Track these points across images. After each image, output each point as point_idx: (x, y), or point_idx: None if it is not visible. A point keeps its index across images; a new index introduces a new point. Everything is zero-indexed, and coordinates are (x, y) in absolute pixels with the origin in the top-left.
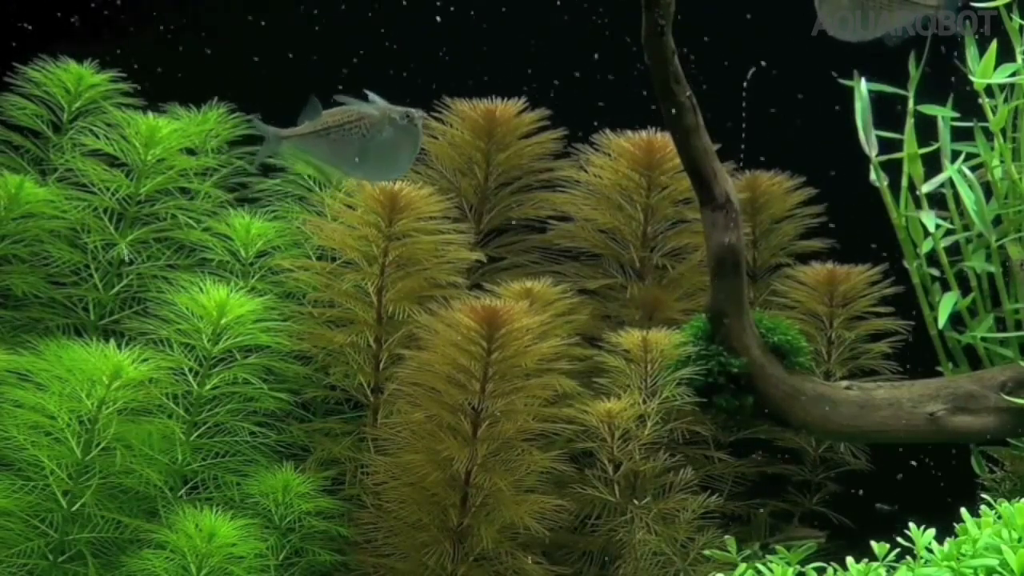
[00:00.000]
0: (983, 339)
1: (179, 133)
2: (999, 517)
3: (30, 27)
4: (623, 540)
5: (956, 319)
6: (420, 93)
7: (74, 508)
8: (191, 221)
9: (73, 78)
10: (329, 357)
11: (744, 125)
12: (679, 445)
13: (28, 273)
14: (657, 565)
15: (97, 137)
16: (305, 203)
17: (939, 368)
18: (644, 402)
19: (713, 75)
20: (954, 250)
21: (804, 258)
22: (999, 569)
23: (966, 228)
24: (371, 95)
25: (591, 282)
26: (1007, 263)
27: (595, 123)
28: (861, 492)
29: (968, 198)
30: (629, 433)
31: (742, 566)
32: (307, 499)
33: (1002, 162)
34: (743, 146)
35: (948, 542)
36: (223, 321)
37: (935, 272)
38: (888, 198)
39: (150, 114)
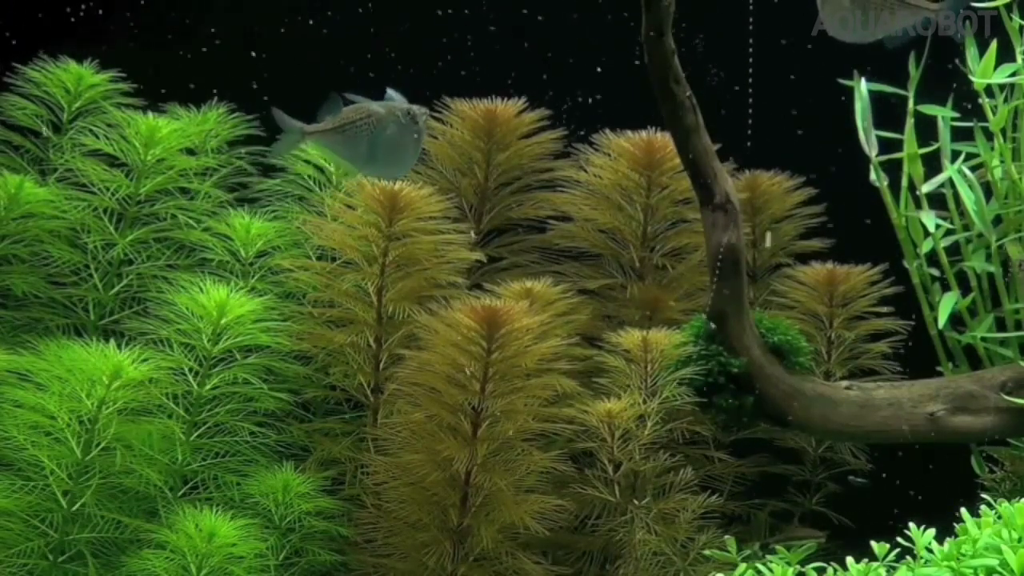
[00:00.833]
0: (983, 339)
1: (179, 133)
2: (999, 517)
3: (30, 27)
4: (623, 540)
5: (956, 319)
6: (420, 93)
7: (74, 508)
8: (191, 221)
9: (73, 78)
10: (329, 357)
11: (748, 124)
12: (679, 445)
13: (28, 273)
14: (657, 565)
15: (97, 137)
16: (305, 203)
17: (939, 368)
18: (644, 402)
19: (713, 75)
20: (954, 250)
21: (804, 258)
22: (999, 569)
23: (966, 228)
24: (391, 91)
25: (591, 282)
26: (1007, 263)
27: (595, 123)
28: (860, 475)
29: (968, 198)
30: (629, 433)
31: (742, 566)
32: (307, 499)
33: (1002, 162)
34: (749, 144)
35: (948, 542)
36: (223, 321)
37: (935, 272)
38: (888, 198)
39: (150, 114)
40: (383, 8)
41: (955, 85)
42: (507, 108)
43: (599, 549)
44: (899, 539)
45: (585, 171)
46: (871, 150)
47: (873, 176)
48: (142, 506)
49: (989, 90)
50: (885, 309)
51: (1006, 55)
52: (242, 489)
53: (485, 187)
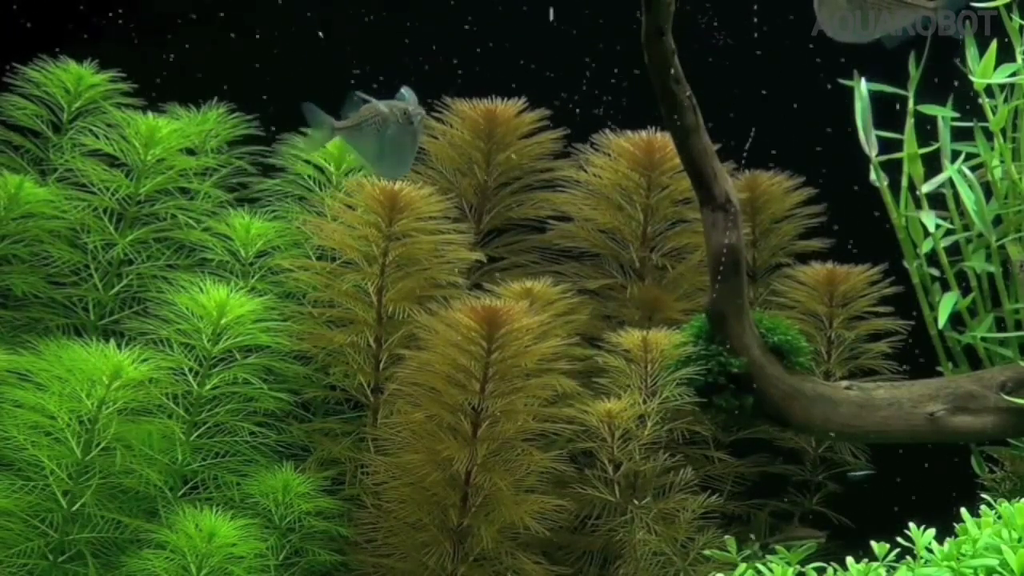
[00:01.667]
0: (983, 339)
1: (179, 133)
2: (999, 517)
3: (30, 26)
4: (623, 540)
5: (956, 319)
6: (420, 93)
7: (74, 508)
8: (191, 221)
9: (73, 78)
10: (329, 357)
11: (747, 124)
12: (679, 445)
13: (28, 273)
14: (657, 565)
15: (97, 137)
16: (305, 203)
17: (939, 368)
18: (644, 402)
19: (713, 75)
20: (954, 250)
21: (804, 258)
22: (999, 569)
23: (966, 228)
24: (403, 90)
25: (591, 282)
26: (1007, 263)
27: (595, 123)
28: (863, 466)
29: (968, 198)
30: (629, 433)
31: (742, 566)
32: (307, 499)
33: (1002, 162)
34: (747, 146)
35: (948, 542)
36: (223, 321)
37: (935, 272)
38: (888, 198)
39: (150, 114)
40: (384, 8)
41: (956, 83)
42: (507, 108)
43: (599, 549)
44: (899, 539)
45: (585, 171)
46: (871, 150)
47: (873, 176)
48: (142, 506)
49: (989, 90)
50: (885, 309)
51: (1006, 55)
52: (242, 489)
53: (485, 187)
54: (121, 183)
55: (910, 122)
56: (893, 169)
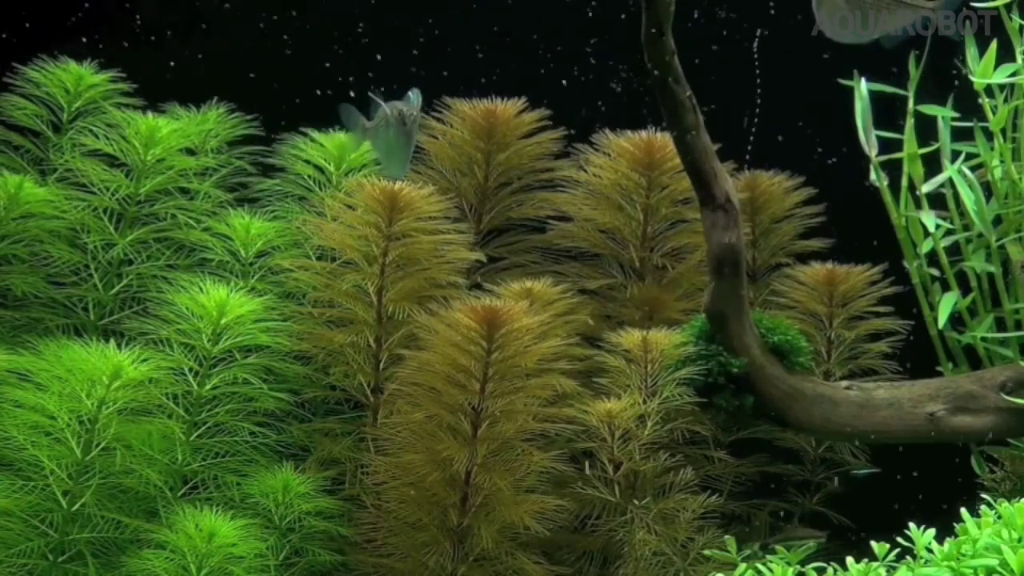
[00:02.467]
0: (983, 339)
1: (179, 133)
2: (999, 517)
3: (29, 26)
4: (623, 540)
5: (956, 319)
6: (421, 93)
7: (74, 508)
8: (191, 221)
9: (73, 78)
10: (329, 357)
11: (748, 125)
12: (679, 445)
13: (28, 273)
14: (657, 565)
15: (97, 137)
16: (305, 203)
17: (939, 368)
18: (644, 402)
19: (713, 75)
20: (954, 250)
21: (804, 258)
22: (999, 569)
23: (966, 228)
24: (411, 93)
25: (591, 282)
26: (1007, 263)
27: (595, 123)
28: (866, 465)
29: (968, 198)
30: (629, 433)
31: (742, 566)
32: (307, 499)
33: (1002, 162)
34: (749, 147)
35: (948, 542)
36: (223, 321)
37: (935, 272)
38: (888, 198)
39: (150, 114)
40: (384, 8)
41: (956, 84)
42: (507, 108)
43: (599, 549)
44: (899, 539)
45: (585, 171)
46: (871, 150)
47: (873, 176)
48: (142, 506)
49: (989, 90)
50: (885, 309)
51: (1006, 55)
52: (242, 489)
53: (485, 187)
54: (121, 183)
55: (910, 122)
56: (893, 169)
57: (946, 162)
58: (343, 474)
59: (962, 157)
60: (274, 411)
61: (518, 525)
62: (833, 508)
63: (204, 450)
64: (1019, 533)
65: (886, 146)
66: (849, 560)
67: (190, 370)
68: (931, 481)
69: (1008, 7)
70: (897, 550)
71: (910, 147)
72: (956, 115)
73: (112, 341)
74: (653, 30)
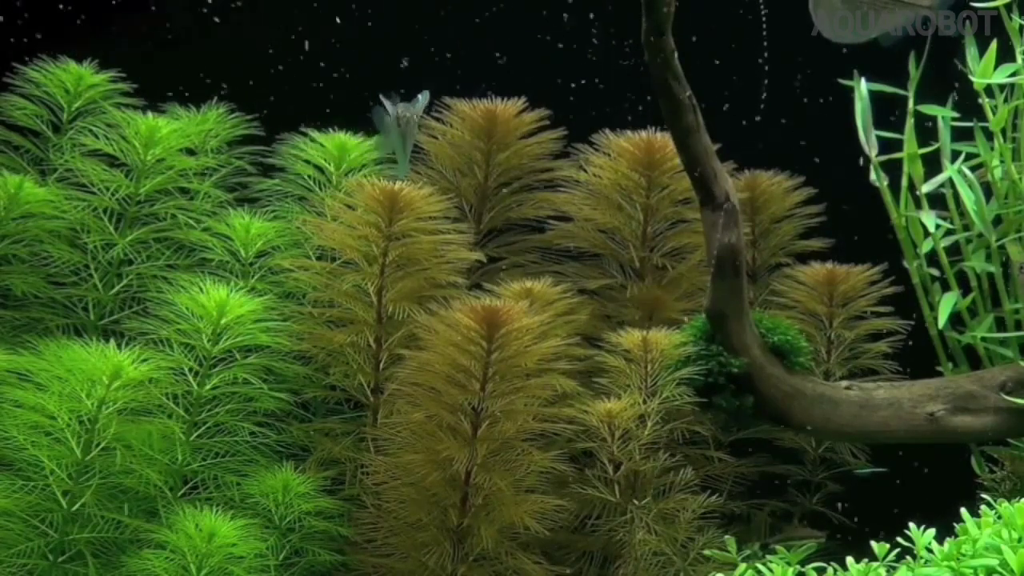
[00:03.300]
0: (983, 339)
1: (179, 133)
2: (999, 517)
3: (29, 27)
4: (623, 540)
5: (956, 319)
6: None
7: (74, 508)
8: (191, 221)
9: (73, 78)
10: (329, 357)
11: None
12: (679, 445)
13: (28, 273)
14: (657, 565)
15: (97, 137)
16: (305, 203)
17: (939, 368)
18: (644, 402)
19: (713, 75)
20: (954, 250)
21: (804, 258)
22: (999, 569)
23: (966, 228)
24: (420, 96)
25: (591, 282)
26: (1007, 263)
27: (595, 123)
28: (866, 465)
29: (968, 198)
30: (629, 433)
31: (742, 566)
32: (307, 499)
33: (1002, 162)
34: (747, 146)
35: (948, 542)
36: (223, 321)
37: (935, 272)
38: (888, 198)
39: (150, 114)
40: (385, 8)
41: (956, 84)
42: (507, 108)
43: (599, 549)
44: (899, 539)
45: (585, 171)
46: (871, 150)
47: (873, 176)
48: (142, 506)
49: (989, 90)
50: (885, 309)
51: (1006, 55)
52: (242, 489)
53: (485, 187)
54: (121, 183)
55: (910, 122)
56: (893, 169)
57: (946, 162)
58: (343, 474)
59: (962, 157)
60: (274, 411)
61: (518, 525)
62: (833, 508)
63: (204, 450)
64: (1019, 533)
65: (886, 146)
66: (849, 560)
67: (190, 370)
68: (931, 481)
69: (1008, 7)
70: (897, 550)
71: (910, 147)
72: (956, 115)
73: (112, 341)
74: (653, 30)
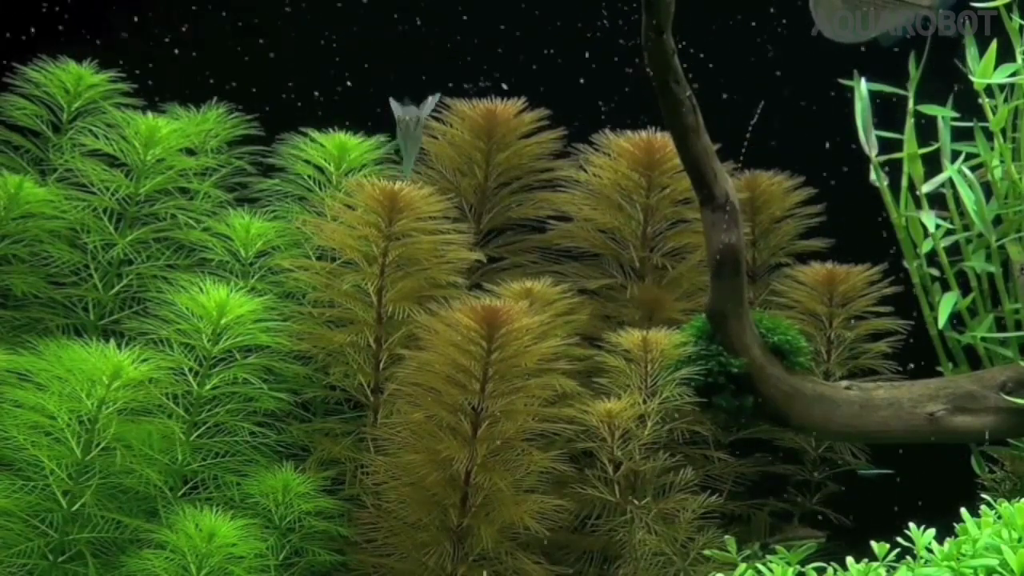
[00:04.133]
0: (983, 339)
1: (179, 133)
2: (999, 517)
3: (29, 27)
4: (623, 540)
5: (956, 319)
6: (420, 93)
7: (74, 508)
8: (191, 221)
9: (73, 78)
10: (329, 357)
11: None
12: (679, 445)
13: (28, 273)
14: (657, 565)
15: (97, 137)
16: (305, 203)
17: (939, 368)
18: (644, 402)
19: (713, 75)
20: (954, 250)
21: (804, 258)
22: (999, 569)
23: (966, 228)
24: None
25: (591, 282)
26: (1007, 263)
27: (595, 123)
28: (867, 466)
29: (968, 198)
30: (629, 433)
31: (742, 566)
32: (307, 499)
33: (1002, 162)
34: (745, 146)
35: (948, 542)
36: (223, 321)
37: (935, 272)
38: (888, 198)
39: (150, 114)
40: (384, 8)
41: (956, 85)
42: (507, 108)
43: (599, 549)
44: (899, 539)
45: (585, 171)
46: (871, 150)
47: (873, 176)
48: (142, 506)
49: (989, 90)
50: (885, 309)
51: (1006, 55)
52: (242, 489)
53: (485, 187)
54: (121, 183)
55: (910, 122)
56: (893, 169)
57: (946, 162)
58: (343, 474)
59: (962, 157)
60: (274, 411)
61: (518, 525)
62: (833, 508)
63: (204, 450)
64: (1019, 533)
65: (886, 146)
66: (849, 560)
67: (190, 370)
68: (931, 481)
69: (1008, 7)
70: (897, 550)
71: (910, 147)
72: (956, 115)
73: (112, 341)
74: (653, 30)
